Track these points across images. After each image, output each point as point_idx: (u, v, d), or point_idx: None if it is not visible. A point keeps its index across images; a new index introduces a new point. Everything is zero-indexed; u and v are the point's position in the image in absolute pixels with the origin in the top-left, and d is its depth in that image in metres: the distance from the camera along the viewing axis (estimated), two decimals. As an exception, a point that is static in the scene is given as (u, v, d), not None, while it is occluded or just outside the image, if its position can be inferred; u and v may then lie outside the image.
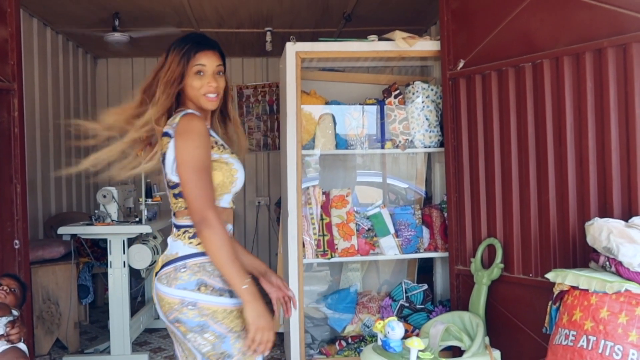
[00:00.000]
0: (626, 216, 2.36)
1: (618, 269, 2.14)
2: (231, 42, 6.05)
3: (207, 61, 1.81)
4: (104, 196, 3.86)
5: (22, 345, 2.17)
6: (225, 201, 1.82)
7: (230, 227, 1.84)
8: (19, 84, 2.99)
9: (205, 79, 1.81)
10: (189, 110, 1.79)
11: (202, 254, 1.74)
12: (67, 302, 3.96)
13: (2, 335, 2.14)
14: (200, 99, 1.82)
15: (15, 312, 2.26)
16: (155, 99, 1.80)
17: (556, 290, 2.33)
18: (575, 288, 2.22)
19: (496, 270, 2.85)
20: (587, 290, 2.16)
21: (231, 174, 1.81)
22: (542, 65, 2.65)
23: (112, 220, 3.85)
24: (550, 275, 2.35)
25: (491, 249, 2.95)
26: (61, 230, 3.75)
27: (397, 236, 3.43)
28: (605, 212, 2.43)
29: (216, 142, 1.82)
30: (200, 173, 1.70)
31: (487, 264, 2.97)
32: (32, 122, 4.87)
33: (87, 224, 3.81)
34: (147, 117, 1.79)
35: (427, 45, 3.37)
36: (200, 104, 1.83)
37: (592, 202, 2.49)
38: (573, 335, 2.15)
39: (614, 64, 2.40)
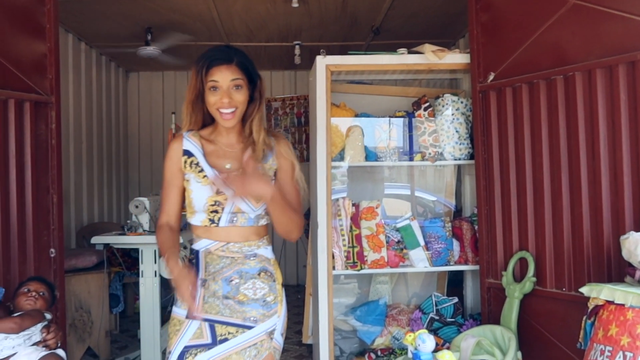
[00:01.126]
0: (663, 230, 2.32)
1: (655, 284, 2.11)
2: (260, 56, 6.13)
3: (221, 77, 1.79)
4: (136, 206, 3.92)
5: (61, 352, 2.20)
6: (197, 219, 1.85)
7: (204, 243, 1.85)
8: (57, 98, 3.08)
9: (218, 94, 1.79)
10: (182, 132, 1.91)
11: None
12: (99, 311, 4.03)
13: (40, 341, 2.18)
14: (215, 115, 1.83)
15: (48, 316, 2.30)
16: (182, 117, 1.89)
17: (591, 305, 2.30)
18: (610, 303, 2.19)
19: (528, 284, 2.82)
20: (623, 305, 2.12)
21: (188, 195, 1.85)
22: (574, 77, 2.64)
23: (144, 230, 3.90)
24: (584, 290, 2.31)
25: (523, 262, 2.92)
26: (94, 239, 3.82)
27: (427, 249, 3.41)
28: (641, 225, 2.40)
29: (192, 162, 1.86)
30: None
31: (518, 277, 2.94)
32: (66, 134, 4.99)
33: (120, 234, 3.88)
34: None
35: (456, 58, 3.37)
36: (217, 119, 1.85)
37: (627, 215, 2.46)
38: (609, 351, 2.11)
39: (649, 76, 2.38)
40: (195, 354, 1.76)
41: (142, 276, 3.80)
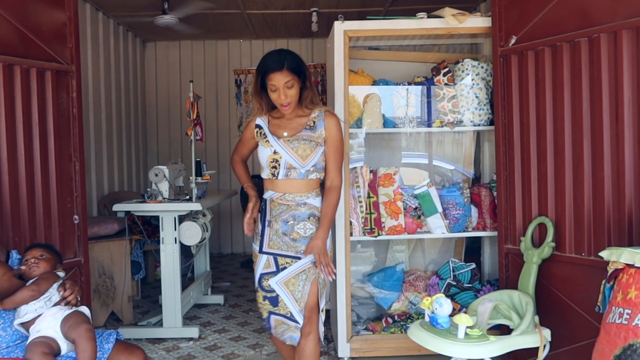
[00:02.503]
0: (686, 194, 2.30)
1: (677, 247, 2.09)
2: (277, 24, 6.08)
3: (276, 81, 2.42)
4: (156, 175, 3.96)
5: (84, 309, 2.24)
6: (265, 174, 2.57)
7: (270, 193, 2.56)
8: (77, 66, 3.10)
9: (276, 93, 2.45)
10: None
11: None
12: (121, 277, 4.12)
13: (59, 300, 2.21)
14: (278, 106, 2.52)
15: (61, 274, 2.31)
16: (253, 106, 2.66)
17: (610, 269, 2.30)
18: (630, 266, 2.18)
19: (547, 249, 2.82)
20: (643, 268, 2.12)
21: (258, 155, 2.58)
22: (599, 39, 2.58)
23: (164, 198, 3.96)
24: (604, 254, 2.31)
25: (541, 227, 2.92)
26: (116, 207, 3.88)
27: (445, 215, 3.41)
28: (664, 190, 2.37)
29: (260, 133, 2.58)
30: None
31: (537, 242, 2.94)
32: (85, 104, 5.03)
33: (140, 202, 3.93)
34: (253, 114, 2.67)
35: (477, 22, 3.32)
36: (279, 108, 2.53)
37: (650, 180, 2.43)
38: (628, 314, 2.12)
39: (676, 38, 2.32)
40: (268, 279, 2.52)
41: (162, 243, 3.87)
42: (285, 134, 2.52)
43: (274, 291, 2.50)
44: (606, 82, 2.57)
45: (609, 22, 2.53)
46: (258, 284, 2.56)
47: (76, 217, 3.10)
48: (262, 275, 2.54)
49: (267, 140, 2.52)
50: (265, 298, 2.54)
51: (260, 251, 2.55)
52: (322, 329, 2.56)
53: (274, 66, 2.41)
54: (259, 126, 2.59)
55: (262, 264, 2.54)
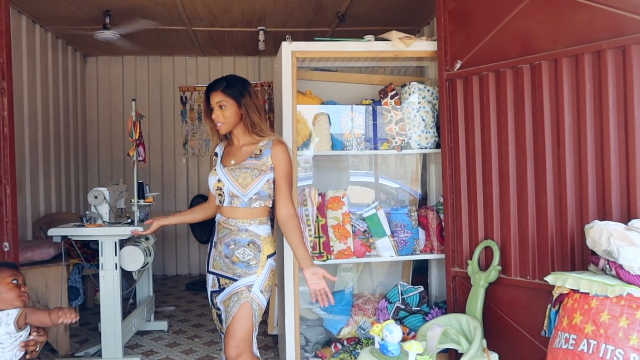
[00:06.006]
0: (625, 218, 2.36)
1: (618, 272, 2.13)
2: (223, 41, 6.00)
3: (212, 100, 2.54)
4: (95, 197, 3.79)
5: None
6: (216, 200, 2.60)
7: (218, 216, 2.60)
8: (9, 83, 2.93)
9: (213, 113, 2.55)
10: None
11: None
12: (57, 304, 3.89)
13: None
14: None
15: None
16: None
17: (555, 293, 2.32)
18: (575, 291, 2.21)
19: (493, 273, 2.84)
20: (587, 293, 2.15)
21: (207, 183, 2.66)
22: (541, 66, 2.64)
23: (104, 222, 3.78)
24: (549, 279, 2.34)
25: (488, 251, 2.94)
26: (51, 232, 3.67)
27: (393, 237, 3.40)
28: (604, 214, 2.43)
29: (215, 160, 2.63)
30: None
31: (483, 266, 2.96)
32: (20, 121, 4.80)
33: (78, 225, 3.75)
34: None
35: (423, 46, 3.35)
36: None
37: (590, 204, 2.48)
38: (573, 339, 2.14)
39: (613, 66, 2.40)
40: (215, 297, 2.59)
41: (102, 269, 3.69)
42: (233, 162, 2.54)
43: (220, 309, 2.58)
44: (547, 108, 2.63)
45: (550, 49, 2.60)
46: (210, 302, 2.64)
47: (6, 244, 2.91)
48: (211, 292, 2.62)
49: (215, 169, 2.58)
50: (217, 315, 2.61)
51: (208, 271, 2.63)
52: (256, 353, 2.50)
53: (211, 87, 2.56)
54: (216, 154, 2.67)
55: (210, 283, 2.62)
